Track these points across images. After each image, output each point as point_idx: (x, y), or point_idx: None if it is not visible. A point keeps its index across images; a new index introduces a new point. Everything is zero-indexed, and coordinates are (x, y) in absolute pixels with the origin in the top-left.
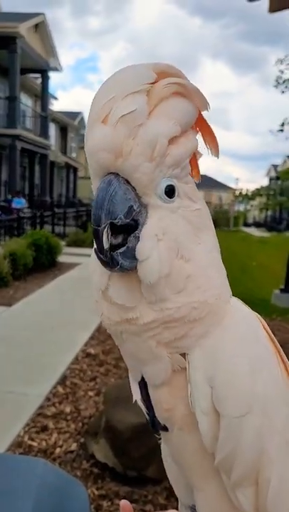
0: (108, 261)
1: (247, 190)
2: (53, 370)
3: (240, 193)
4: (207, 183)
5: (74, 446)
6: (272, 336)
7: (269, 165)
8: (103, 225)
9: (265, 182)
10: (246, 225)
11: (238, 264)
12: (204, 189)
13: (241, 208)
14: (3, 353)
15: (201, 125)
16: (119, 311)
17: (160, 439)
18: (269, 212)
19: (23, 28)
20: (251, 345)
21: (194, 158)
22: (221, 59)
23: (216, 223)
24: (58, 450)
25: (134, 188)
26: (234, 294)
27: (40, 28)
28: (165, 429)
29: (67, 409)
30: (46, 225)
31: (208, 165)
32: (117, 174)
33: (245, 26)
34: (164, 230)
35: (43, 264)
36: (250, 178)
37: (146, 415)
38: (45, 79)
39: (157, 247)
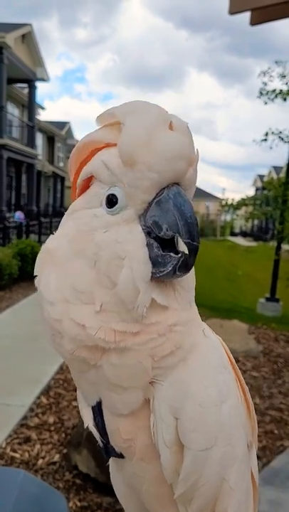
0: (187, 269)
1: (233, 199)
2: (37, 380)
3: (227, 202)
4: (195, 193)
5: (57, 457)
6: (232, 357)
7: (255, 175)
8: (197, 241)
9: (251, 192)
10: (233, 234)
11: (225, 273)
12: (192, 199)
13: (228, 217)
14: None
15: None
16: (150, 317)
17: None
18: (256, 222)
19: (10, 39)
20: (219, 374)
21: None
22: (207, 71)
23: (203, 232)
24: (40, 461)
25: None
26: (220, 303)
27: (27, 38)
28: (121, 456)
29: (51, 420)
30: (32, 234)
31: None
32: (178, 185)
33: (230, 39)
34: None
35: (29, 273)
36: (236, 188)
37: (100, 442)
38: (32, 89)
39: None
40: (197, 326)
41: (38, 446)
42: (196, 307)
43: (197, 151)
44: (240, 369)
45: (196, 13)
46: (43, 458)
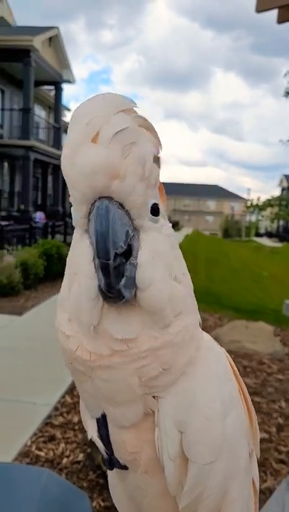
0: (115, 296)
1: (258, 200)
2: (61, 379)
3: (252, 203)
4: (219, 193)
5: (81, 456)
6: (235, 368)
7: (281, 175)
8: (112, 259)
9: (277, 192)
10: (258, 235)
11: (250, 274)
12: (216, 199)
13: (253, 218)
14: (12, 361)
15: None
16: (112, 343)
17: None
18: (281, 223)
19: (38, 42)
20: (223, 387)
21: None
22: (232, 70)
23: (228, 233)
24: (64, 460)
25: (127, 211)
26: (245, 304)
27: (54, 41)
28: (124, 467)
29: (75, 419)
30: (58, 234)
31: (220, 175)
32: (110, 198)
33: (256, 38)
34: (157, 253)
35: (54, 273)
36: (262, 189)
37: (104, 453)
38: (58, 91)
39: (157, 272)
40: (196, 340)
41: (62, 445)
42: (193, 321)
43: (136, 162)
44: (265, 371)
45: (221, 12)
46: (68, 457)
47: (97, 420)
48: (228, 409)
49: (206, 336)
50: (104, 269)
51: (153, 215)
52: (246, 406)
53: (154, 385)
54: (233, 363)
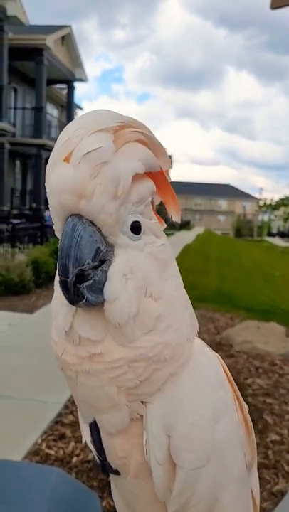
0: (74, 295)
1: (271, 199)
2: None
3: (265, 202)
4: (231, 193)
5: (91, 455)
6: (230, 375)
7: None
8: (71, 276)
9: None
10: (270, 234)
11: (261, 274)
12: (228, 198)
13: (265, 217)
14: (23, 360)
15: (163, 185)
16: (86, 346)
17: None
18: None
19: (50, 41)
20: (214, 392)
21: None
22: (245, 69)
23: (240, 233)
24: (74, 459)
25: (99, 228)
26: (257, 304)
27: (67, 40)
28: (117, 473)
29: None
30: None
31: (232, 174)
32: (80, 216)
33: (270, 36)
34: (132, 269)
35: None
36: (274, 188)
37: (97, 458)
38: (70, 89)
39: (126, 288)
40: (182, 355)
41: (72, 443)
42: (175, 338)
43: (107, 181)
44: (277, 373)
45: (234, 11)
46: (78, 456)
47: (90, 425)
48: (219, 416)
49: (197, 341)
50: (62, 285)
51: (133, 232)
52: (242, 415)
53: (137, 393)
54: (227, 370)
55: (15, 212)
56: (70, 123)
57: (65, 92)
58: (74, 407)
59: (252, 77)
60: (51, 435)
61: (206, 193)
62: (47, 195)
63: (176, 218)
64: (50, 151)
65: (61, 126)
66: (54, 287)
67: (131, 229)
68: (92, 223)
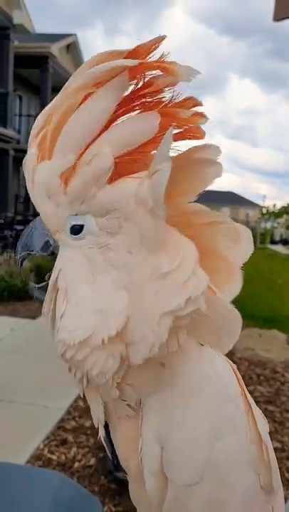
0: (31, 293)
1: (274, 207)
2: (74, 383)
3: (268, 210)
4: (233, 200)
5: (93, 461)
6: (244, 386)
7: None
8: (19, 255)
9: None
10: (273, 242)
11: (264, 282)
12: (231, 206)
13: (268, 225)
14: (26, 365)
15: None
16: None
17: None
18: None
19: (55, 49)
20: (217, 407)
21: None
22: (248, 76)
23: None
24: (76, 464)
25: None
26: (259, 312)
27: (72, 48)
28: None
29: (88, 424)
30: None
31: (235, 181)
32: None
33: (273, 44)
34: (62, 267)
35: None
36: (277, 195)
37: (110, 455)
38: None
39: (52, 283)
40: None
41: (74, 449)
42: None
43: (34, 187)
44: (278, 380)
45: (238, 19)
46: (79, 461)
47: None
48: (220, 434)
49: (206, 350)
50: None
51: (73, 233)
52: (255, 431)
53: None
54: (242, 382)
55: (19, 218)
56: None
57: None
58: (76, 413)
59: (255, 84)
60: (53, 440)
61: (209, 200)
62: None
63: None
64: None
65: None
66: None
67: (71, 230)
68: None
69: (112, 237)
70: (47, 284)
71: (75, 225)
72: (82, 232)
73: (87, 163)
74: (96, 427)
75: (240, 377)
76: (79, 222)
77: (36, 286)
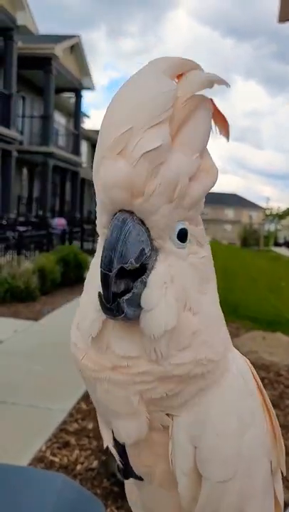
0: (114, 308)
1: (278, 209)
2: (77, 385)
3: (271, 212)
4: (237, 202)
5: (95, 463)
6: (259, 381)
7: None
8: (114, 271)
9: None
10: (277, 244)
11: (268, 285)
12: (234, 208)
13: (272, 227)
14: (28, 366)
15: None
16: (113, 357)
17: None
18: None
19: (59, 50)
20: (243, 402)
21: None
22: (253, 78)
23: (246, 242)
24: (79, 467)
25: (148, 229)
26: (263, 314)
27: (75, 49)
28: (140, 478)
29: (90, 426)
30: (75, 241)
31: (238, 184)
32: (131, 212)
33: (277, 46)
34: (173, 278)
35: (71, 279)
36: (281, 197)
37: (120, 463)
38: (78, 98)
39: (165, 297)
40: (214, 372)
41: (76, 451)
42: (212, 354)
43: (165, 183)
44: (282, 384)
45: (242, 21)
46: (82, 463)
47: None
48: (246, 427)
49: (229, 346)
50: (103, 279)
51: (180, 240)
52: (270, 421)
53: (162, 405)
54: (256, 375)
55: (21, 219)
56: (117, 105)
57: (72, 100)
58: (79, 415)
59: (260, 86)
60: (56, 443)
61: (213, 202)
62: (96, 187)
63: (224, 135)
64: (57, 159)
65: (68, 135)
66: (84, 288)
67: (178, 236)
68: (142, 223)
69: (199, 247)
70: (134, 295)
71: (182, 230)
72: (187, 239)
73: (206, 172)
74: (102, 432)
75: (254, 371)
76: (185, 227)
77: (124, 298)
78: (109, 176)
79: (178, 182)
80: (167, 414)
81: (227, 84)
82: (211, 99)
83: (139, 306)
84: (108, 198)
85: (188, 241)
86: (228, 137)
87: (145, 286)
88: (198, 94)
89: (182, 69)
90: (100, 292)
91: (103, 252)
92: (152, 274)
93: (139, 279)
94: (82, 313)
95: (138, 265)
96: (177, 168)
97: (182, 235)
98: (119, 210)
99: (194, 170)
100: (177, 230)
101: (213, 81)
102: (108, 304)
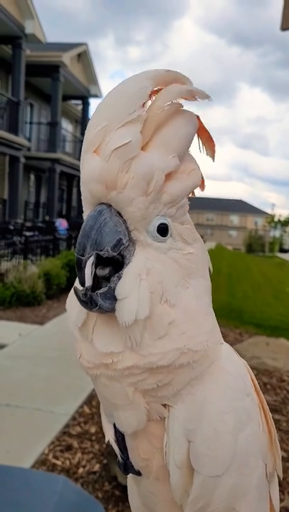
0: (87, 301)
1: (280, 216)
2: (80, 389)
3: (273, 218)
4: (243, 208)
5: (97, 467)
6: (257, 384)
7: None
8: (87, 255)
9: None
10: (282, 250)
11: (272, 290)
12: (240, 214)
13: (277, 233)
14: (32, 370)
15: (199, 128)
16: (99, 355)
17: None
18: None
19: (67, 58)
20: (238, 401)
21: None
22: (258, 86)
23: (251, 248)
24: (81, 470)
25: (125, 221)
26: (267, 320)
27: (83, 57)
28: (138, 473)
29: (92, 430)
30: None
31: (244, 190)
32: (109, 205)
33: (283, 54)
34: (149, 271)
35: None
36: (286, 204)
37: (120, 457)
38: (85, 105)
39: (138, 288)
40: (203, 361)
41: (79, 454)
42: (194, 345)
43: (138, 177)
44: (285, 389)
45: (248, 29)
46: (84, 467)
47: (114, 425)
48: (242, 425)
49: (225, 347)
50: (77, 263)
51: (160, 234)
52: (266, 423)
53: (156, 395)
54: (254, 377)
55: (28, 224)
56: (98, 107)
57: (80, 107)
58: (81, 419)
59: (265, 94)
60: (58, 446)
61: (218, 208)
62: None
63: (211, 156)
64: (64, 165)
65: (75, 141)
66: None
67: (158, 230)
68: (120, 215)
69: (185, 244)
70: (110, 289)
71: (161, 224)
72: (168, 233)
73: (187, 173)
74: (104, 428)
75: (251, 372)
76: (165, 222)
77: (99, 292)
78: (87, 171)
79: (152, 176)
80: (164, 406)
81: (208, 98)
82: (198, 116)
83: (116, 299)
84: (88, 192)
85: (169, 236)
86: (213, 157)
87: (120, 279)
88: (177, 102)
89: (165, 79)
90: (75, 286)
91: (78, 238)
92: (128, 267)
93: (116, 274)
94: (70, 304)
95: (116, 254)
96: (150, 163)
97: (162, 230)
98: (100, 203)
99: (170, 168)
100: (156, 223)
101: (193, 92)
102: (82, 291)
